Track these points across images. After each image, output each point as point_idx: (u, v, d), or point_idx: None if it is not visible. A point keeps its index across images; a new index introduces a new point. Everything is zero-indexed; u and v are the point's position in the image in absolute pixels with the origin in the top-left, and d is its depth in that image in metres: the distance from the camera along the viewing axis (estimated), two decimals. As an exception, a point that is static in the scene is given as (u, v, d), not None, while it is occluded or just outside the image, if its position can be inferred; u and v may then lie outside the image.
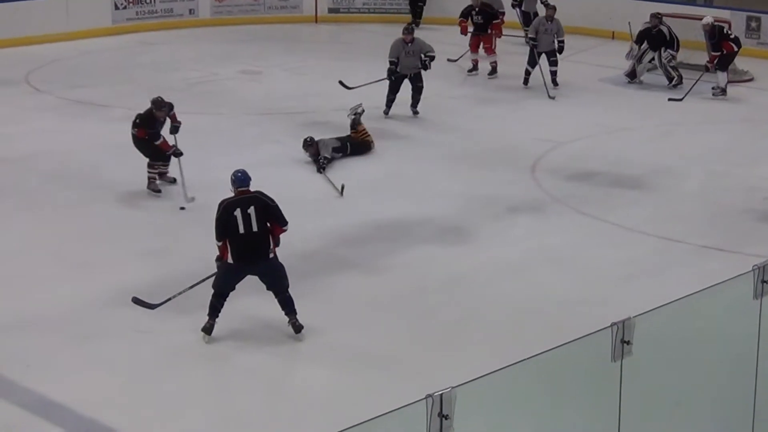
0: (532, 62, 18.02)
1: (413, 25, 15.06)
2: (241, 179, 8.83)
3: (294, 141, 14.04)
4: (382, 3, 24.50)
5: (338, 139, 13.89)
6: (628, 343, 4.93)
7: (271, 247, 8.71)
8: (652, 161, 14.08)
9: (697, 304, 5.35)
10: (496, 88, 18.11)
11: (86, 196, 12.38)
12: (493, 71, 18.71)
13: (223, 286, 8.81)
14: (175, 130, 12.32)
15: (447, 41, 19.20)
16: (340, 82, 16.33)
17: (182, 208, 11.90)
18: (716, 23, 17.75)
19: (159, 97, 12.29)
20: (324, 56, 21.01)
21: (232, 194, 8.78)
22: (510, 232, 11.62)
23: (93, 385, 8.25)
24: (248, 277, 8.83)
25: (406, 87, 15.87)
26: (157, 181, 12.52)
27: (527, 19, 20.95)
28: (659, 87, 18.37)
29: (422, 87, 15.76)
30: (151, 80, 17.42)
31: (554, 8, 18.21)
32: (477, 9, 18.88)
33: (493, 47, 18.90)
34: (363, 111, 14.42)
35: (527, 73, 18.06)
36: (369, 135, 14.25)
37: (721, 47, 17.54)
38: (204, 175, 12.46)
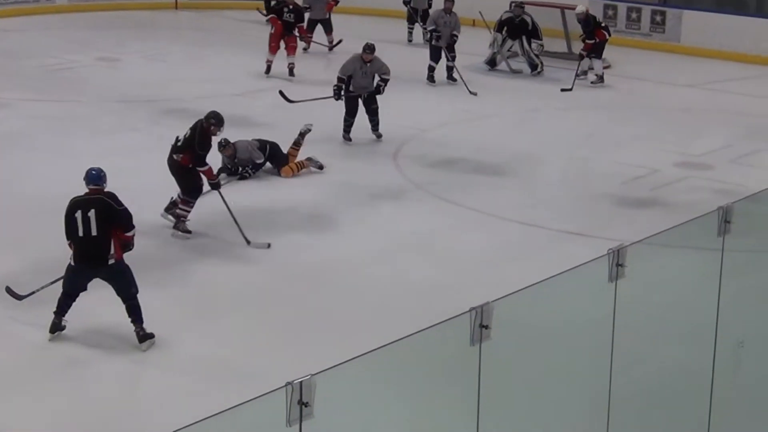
0: (435, 57, 17.68)
1: (374, 44, 13.94)
2: (92, 177, 8.42)
3: (153, 128, 13.76)
4: (241, -10, 24.29)
5: (259, 140, 12.93)
6: (486, 327, 4.95)
7: (112, 252, 8.32)
8: (514, 147, 14.24)
9: (554, 287, 5.39)
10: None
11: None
12: (291, 73, 17.77)
13: (70, 287, 8.50)
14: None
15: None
16: (281, 93, 15.15)
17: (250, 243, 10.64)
18: (589, 12, 18.11)
19: (215, 111, 10.69)
20: (184, 43, 20.75)
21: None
22: (372, 220, 11.61)
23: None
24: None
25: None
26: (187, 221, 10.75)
27: (415, 15, 20.64)
28: (520, 75, 18.66)
29: (377, 108, 14.36)
30: (6, 68, 16.95)
31: (452, 1, 17.86)
32: (291, 7, 18.06)
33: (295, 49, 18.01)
34: (309, 131, 13.31)
35: (431, 69, 17.74)
36: (296, 158, 13.07)
37: (595, 35, 17.87)
38: (58, 163, 12.16)
